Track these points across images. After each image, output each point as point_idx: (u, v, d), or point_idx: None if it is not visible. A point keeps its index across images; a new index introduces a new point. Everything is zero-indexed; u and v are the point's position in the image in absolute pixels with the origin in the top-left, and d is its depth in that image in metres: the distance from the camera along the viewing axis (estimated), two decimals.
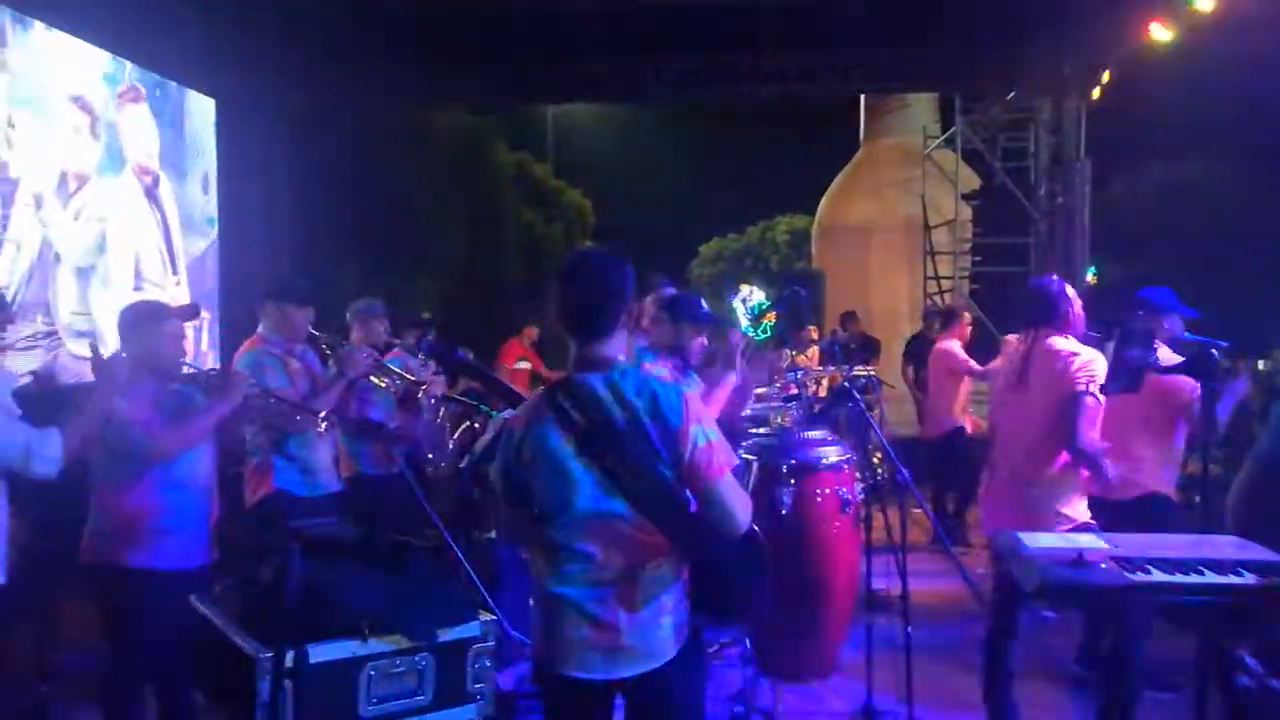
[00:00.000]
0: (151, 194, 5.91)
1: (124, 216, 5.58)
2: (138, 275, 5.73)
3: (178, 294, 6.14)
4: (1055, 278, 3.87)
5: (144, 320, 3.34)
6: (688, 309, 3.81)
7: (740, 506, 2.21)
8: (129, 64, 5.97)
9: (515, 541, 2.38)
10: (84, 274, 5.24)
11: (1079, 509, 3.42)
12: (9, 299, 4.42)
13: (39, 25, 5.07)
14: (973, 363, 6.69)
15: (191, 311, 3.73)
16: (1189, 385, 3.80)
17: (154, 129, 5.98)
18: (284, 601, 2.64)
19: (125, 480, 3.18)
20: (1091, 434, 3.29)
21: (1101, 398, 3.28)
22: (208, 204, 7.26)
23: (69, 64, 5.18)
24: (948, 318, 7.25)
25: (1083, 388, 3.27)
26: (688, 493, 2.19)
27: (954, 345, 6.84)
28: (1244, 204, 16.18)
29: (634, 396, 2.15)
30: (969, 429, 6.82)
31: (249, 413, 3.60)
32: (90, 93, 5.31)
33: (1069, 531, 3.16)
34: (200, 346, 6.75)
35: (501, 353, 7.95)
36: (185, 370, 3.45)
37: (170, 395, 3.33)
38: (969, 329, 7.07)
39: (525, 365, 7.93)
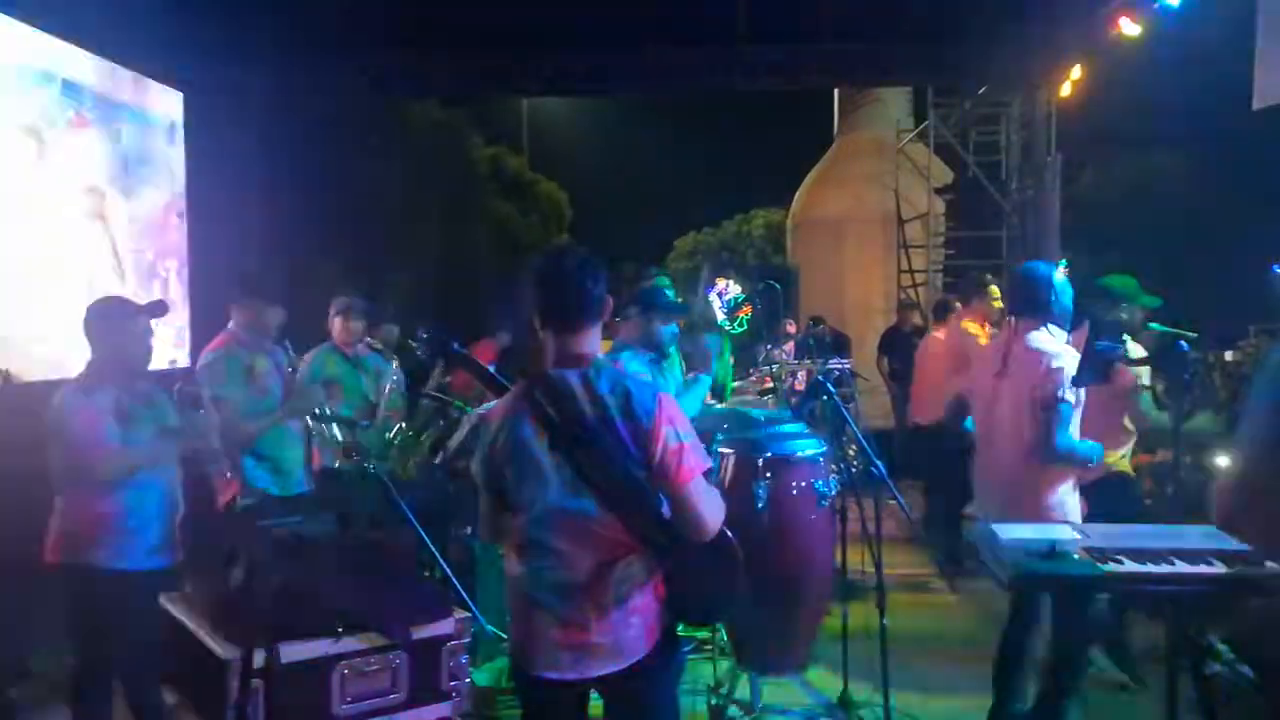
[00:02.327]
0: (99, 212, 6.30)
1: (74, 234, 5.98)
2: (89, 287, 6.02)
3: None
4: (1043, 263, 3.81)
5: (111, 318, 3.27)
6: (656, 300, 3.83)
7: (709, 512, 2.17)
8: (80, 89, 6.07)
9: (491, 536, 2.37)
10: (35, 290, 5.62)
11: (1069, 503, 3.41)
12: None
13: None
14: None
15: (160, 309, 3.67)
16: (1131, 372, 3.84)
17: (102, 151, 6.33)
18: (254, 601, 2.60)
19: (88, 482, 3.12)
20: (1067, 437, 3.28)
21: (1073, 397, 3.28)
22: (172, 153, 7.28)
23: (21, 96, 5.52)
24: (971, 294, 6.43)
25: (1056, 395, 3.25)
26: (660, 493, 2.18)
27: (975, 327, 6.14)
28: (1212, 197, 16.41)
29: (607, 393, 2.14)
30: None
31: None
32: (41, 122, 5.66)
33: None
34: (168, 292, 6.96)
35: (474, 352, 7.86)
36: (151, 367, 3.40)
37: (135, 397, 3.26)
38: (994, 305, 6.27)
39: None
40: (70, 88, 5.92)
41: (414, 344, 5.13)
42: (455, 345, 2.71)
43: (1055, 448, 3.27)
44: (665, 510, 2.18)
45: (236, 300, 4.08)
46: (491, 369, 7.90)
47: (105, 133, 6.30)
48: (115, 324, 3.26)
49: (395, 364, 4.99)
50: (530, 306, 2.25)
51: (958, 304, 6.96)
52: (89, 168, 6.11)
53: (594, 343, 2.25)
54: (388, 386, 4.78)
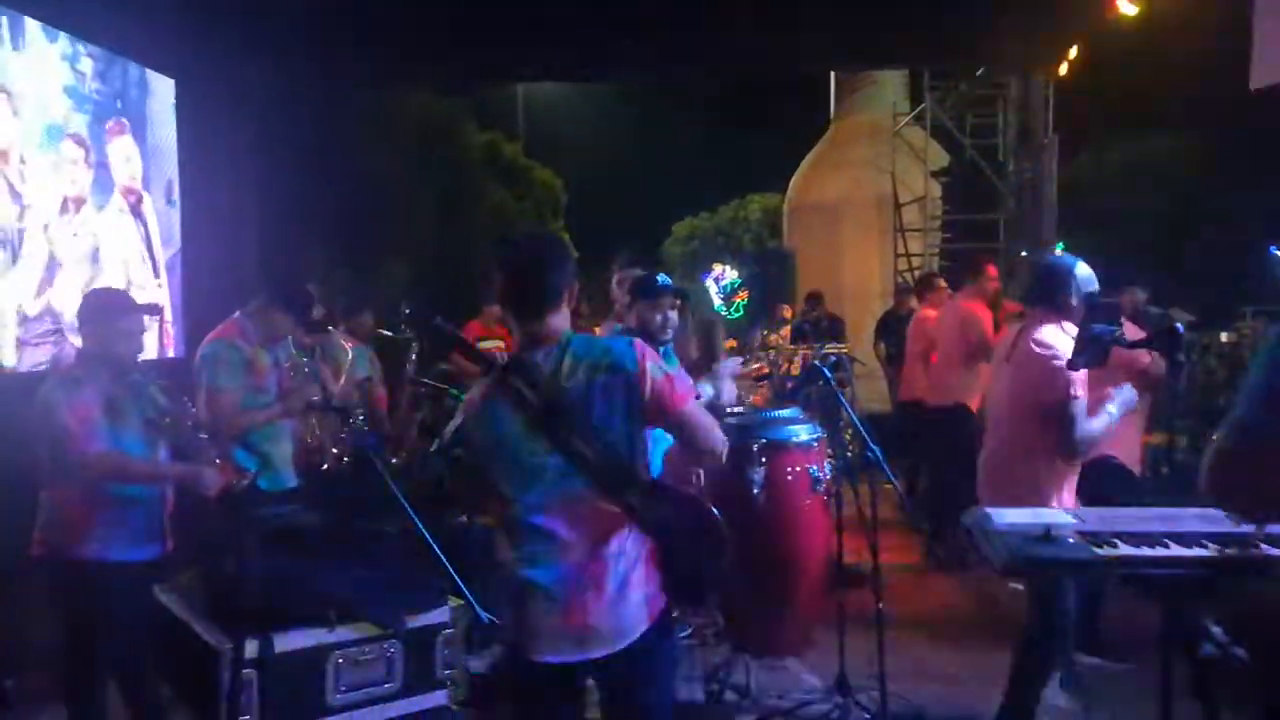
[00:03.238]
0: (136, 210, 6.83)
1: (113, 231, 6.52)
2: (126, 279, 6.55)
3: (158, 295, 6.96)
4: (1067, 256, 3.70)
5: (104, 312, 3.24)
6: (651, 287, 3.81)
7: (714, 426, 2.31)
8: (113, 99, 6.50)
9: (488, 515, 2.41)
10: (82, 280, 6.22)
11: (1054, 491, 3.38)
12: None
13: (43, 66, 5.82)
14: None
15: (155, 309, 3.64)
16: (1144, 353, 3.81)
17: (137, 155, 6.87)
18: (247, 590, 2.60)
19: (76, 474, 3.10)
20: (1084, 428, 3.25)
21: (1082, 392, 3.23)
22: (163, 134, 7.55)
23: (66, 102, 6.12)
24: (965, 277, 6.47)
25: (1067, 395, 3.21)
26: (661, 430, 2.28)
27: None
28: (1209, 179, 16.38)
29: (584, 358, 2.18)
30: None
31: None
32: (84, 129, 6.24)
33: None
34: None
35: (464, 332, 7.81)
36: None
37: (123, 390, 3.23)
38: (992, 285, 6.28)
39: (492, 344, 7.79)
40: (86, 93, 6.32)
41: (388, 332, 5.09)
42: (438, 321, 2.65)
43: (1077, 443, 3.24)
44: (651, 474, 2.24)
45: (263, 296, 3.93)
46: (492, 342, 7.84)
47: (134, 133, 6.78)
48: (109, 319, 3.23)
49: (351, 352, 4.96)
50: (497, 293, 2.29)
51: (942, 282, 7.02)
52: (127, 169, 6.67)
53: (561, 322, 2.26)
54: (344, 374, 4.76)
